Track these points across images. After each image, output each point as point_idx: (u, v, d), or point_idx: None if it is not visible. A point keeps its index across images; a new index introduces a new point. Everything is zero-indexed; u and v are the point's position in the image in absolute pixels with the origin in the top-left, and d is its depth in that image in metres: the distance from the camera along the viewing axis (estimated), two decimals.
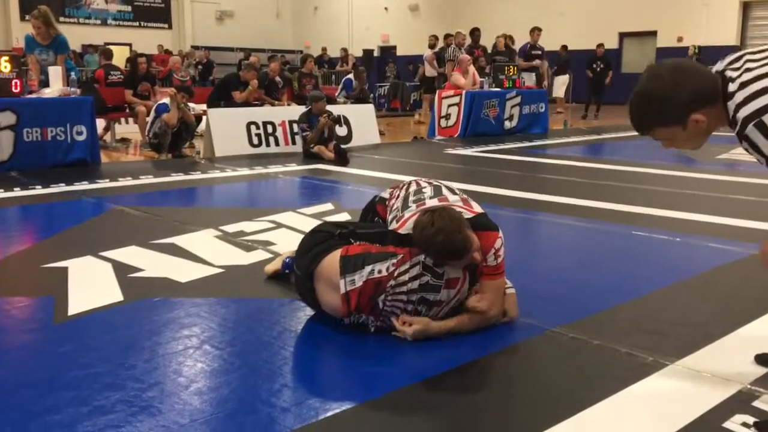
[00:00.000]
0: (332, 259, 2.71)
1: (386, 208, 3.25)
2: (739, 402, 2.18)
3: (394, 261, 2.63)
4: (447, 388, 2.32)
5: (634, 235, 4.48)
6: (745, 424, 2.04)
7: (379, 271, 2.62)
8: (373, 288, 2.62)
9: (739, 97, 1.92)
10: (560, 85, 16.91)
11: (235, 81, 10.11)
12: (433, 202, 2.93)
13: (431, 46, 14.20)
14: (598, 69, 15.42)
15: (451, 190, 3.09)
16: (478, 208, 2.92)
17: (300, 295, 2.94)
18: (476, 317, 2.73)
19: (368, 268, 2.63)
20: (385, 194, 3.32)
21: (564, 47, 17.44)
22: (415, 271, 2.61)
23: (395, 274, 2.61)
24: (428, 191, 3.05)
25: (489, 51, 14.26)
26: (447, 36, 14.14)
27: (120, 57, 17.29)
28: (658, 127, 2.05)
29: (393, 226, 2.93)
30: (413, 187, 3.13)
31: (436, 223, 2.56)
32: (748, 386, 2.28)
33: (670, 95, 1.97)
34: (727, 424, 2.04)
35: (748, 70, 1.96)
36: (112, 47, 11.96)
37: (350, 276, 2.64)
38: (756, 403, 2.17)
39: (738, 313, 2.92)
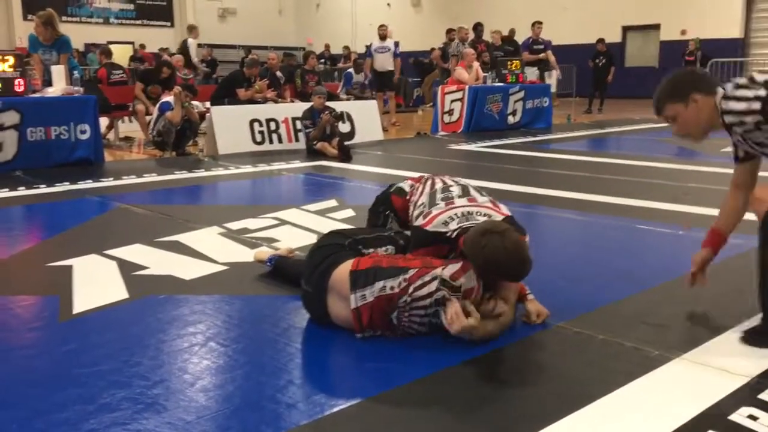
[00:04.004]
0: (343, 272, 2.67)
1: (404, 201, 3.25)
2: (745, 395, 2.18)
3: (406, 276, 2.58)
4: (452, 383, 2.32)
5: (639, 228, 4.47)
6: (751, 417, 2.03)
7: (391, 288, 2.57)
8: (385, 304, 2.58)
9: (727, 89, 2.55)
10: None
11: (240, 78, 10.12)
12: (462, 202, 2.92)
13: (382, 37, 12.70)
14: (600, 64, 15.39)
15: (479, 191, 3.08)
16: (505, 210, 2.93)
17: (307, 309, 2.87)
18: (506, 321, 2.69)
19: (379, 284, 2.58)
20: (405, 186, 3.32)
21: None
22: (432, 287, 2.55)
23: (410, 290, 2.56)
24: (456, 190, 3.04)
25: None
26: (449, 31, 14.09)
27: (123, 55, 17.34)
28: (667, 103, 2.64)
29: (419, 222, 2.89)
30: (439, 185, 3.11)
31: (508, 246, 2.47)
32: (754, 379, 2.28)
33: (679, 78, 2.68)
34: (733, 417, 2.04)
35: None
36: (115, 46, 12.00)
37: (361, 291, 2.60)
38: (762, 396, 2.16)
39: (743, 306, 2.91)
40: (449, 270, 2.57)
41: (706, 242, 2.95)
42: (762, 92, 2.38)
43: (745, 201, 2.83)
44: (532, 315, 2.82)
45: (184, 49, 13.87)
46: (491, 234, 2.51)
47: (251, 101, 9.80)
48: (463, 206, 2.88)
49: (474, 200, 2.96)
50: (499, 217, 2.82)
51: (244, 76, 10.11)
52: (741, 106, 2.44)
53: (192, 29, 14.06)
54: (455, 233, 2.73)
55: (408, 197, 3.25)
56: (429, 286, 2.55)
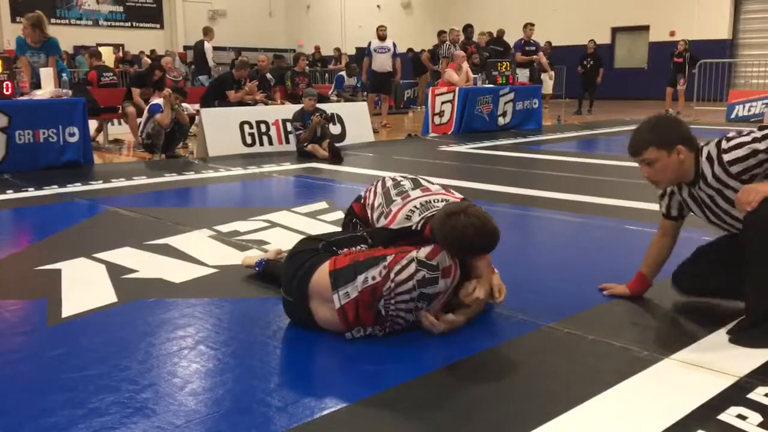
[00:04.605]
0: (322, 274, 2.66)
1: (362, 207, 3.31)
2: (734, 394, 2.19)
3: (385, 263, 2.59)
4: (442, 384, 2.32)
5: (629, 229, 4.49)
6: (740, 416, 2.04)
7: (373, 278, 2.58)
8: (369, 296, 2.57)
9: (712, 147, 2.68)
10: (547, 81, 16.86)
11: (229, 80, 10.10)
12: (416, 193, 2.99)
13: (382, 37, 12.29)
14: (589, 65, 15.46)
15: (428, 181, 3.17)
16: (458, 195, 3.04)
17: (291, 318, 2.85)
18: (482, 300, 2.75)
19: (361, 278, 2.58)
20: (362, 192, 3.38)
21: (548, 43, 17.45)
22: (411, 269, 2.57)
23: (391, 276, 2.57)
24: (407, 184, 3.11)
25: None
26: (440, 33, 14.11)
27: (108, 58, 17.25)
28: (651, 147, 2.67)
29: (382, 222, 2.93)
30: (390, 183, 3.17)
31: (475, 222, 2.55)
32: (743, 378, 2.29)
33: (667, 125, 2.74)
34: (722, 417, 2.05)
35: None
36: (104, 48, 11.95)
37: (343, 289, 2.59)
38: (751, 395, 2.17)
39: (732, 306, 2.92)
40: (423, 252, 2.61)
41: (631, 285, 3.11)
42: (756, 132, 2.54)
43: (670, 248, 3.03)
44: (495, 291, 2.89)
45: (199, 53, 13.67)
46: (455, 215, 2.58)
47: (241, 103, 9.78)
48: (419, 197, 2.96)
49: (428, 189, 3.05)
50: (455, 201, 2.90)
51: (233, 78, 10.09)
52: (748, 138, 2.54)
53: (207, 31, 13.70)
54: (420, 224, 2.79)
55: (363, 201, 3.30)
56: (408, 269, 2.57)
